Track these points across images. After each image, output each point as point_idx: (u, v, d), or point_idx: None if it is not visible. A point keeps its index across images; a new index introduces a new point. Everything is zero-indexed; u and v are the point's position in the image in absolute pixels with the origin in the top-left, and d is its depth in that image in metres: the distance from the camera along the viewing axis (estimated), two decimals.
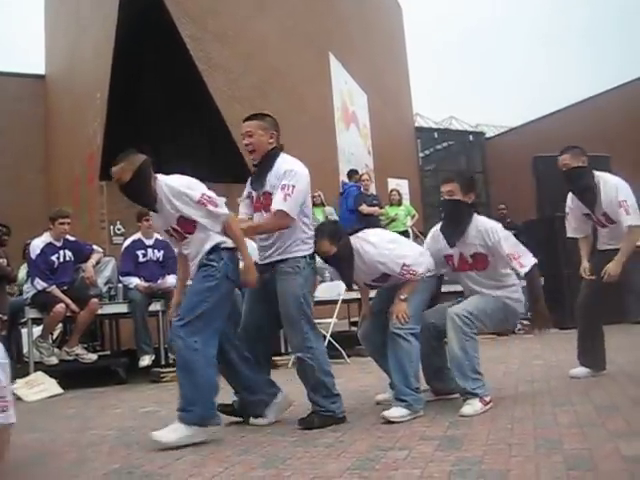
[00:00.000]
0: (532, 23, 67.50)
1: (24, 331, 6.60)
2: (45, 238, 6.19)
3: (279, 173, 3.45)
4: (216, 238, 3.37)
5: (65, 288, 6.04)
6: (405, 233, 9.21)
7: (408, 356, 3.59)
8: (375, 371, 4.16)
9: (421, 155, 24.79)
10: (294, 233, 3.48)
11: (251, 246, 3.61)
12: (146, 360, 6.11)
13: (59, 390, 5.57)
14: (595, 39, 62.33)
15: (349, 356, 6.46)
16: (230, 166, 9.37)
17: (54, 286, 5.96)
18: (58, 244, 6.18)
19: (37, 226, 7.22)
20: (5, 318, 6.06)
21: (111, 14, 10.26)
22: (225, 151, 9.91)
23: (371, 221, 8.97)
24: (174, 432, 3.17)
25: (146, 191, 3.36)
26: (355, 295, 4.28)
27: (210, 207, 3.33)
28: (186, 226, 3.39)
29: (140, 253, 6.46)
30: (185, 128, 10.54)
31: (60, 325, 7.18)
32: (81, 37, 13.30)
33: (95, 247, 6.51)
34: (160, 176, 3.42)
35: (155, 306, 6.31)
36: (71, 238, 6.30)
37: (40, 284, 5.93)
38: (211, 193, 3.40)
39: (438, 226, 3.95)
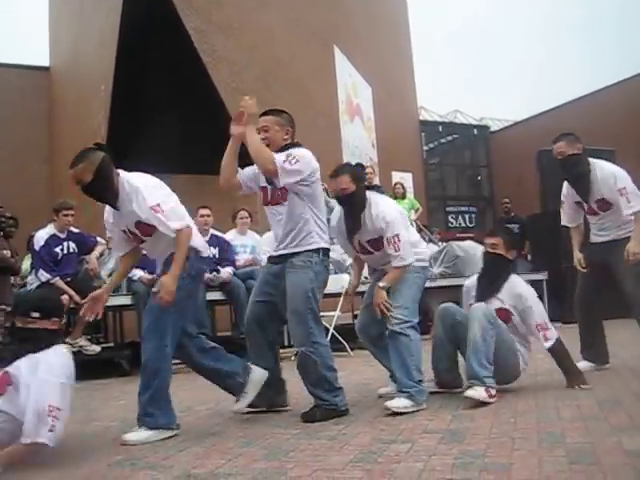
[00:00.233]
0: (538, 16, 67.20)
1: None
2: (49, 230, 6.20)
3: None
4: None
5: (69, 280, 6.05)
6: None
7: (408, 350, 3.61)
8: (378, 364, 4.16)
9: (425, 148, 24.71)
10: (308, 224, 3.50)
11: (269, 239, 3.60)
12: None
13: None
14: (602, 33, 62.05)
15: (352, 349, 6.47)
16: None
17: (58, 278, 5.97)
18: (62, 236, 6.19)
19: (41, 217, 7.23)
20: (9, 309, 6.07)
21: (115, 6, 10.25)
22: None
23: None
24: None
25: (110, 188, 3.27)
26: (359, 288, 4.29)
27: (161, 217, 3.19)
28: (145, 229, 3.32)
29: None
30: (189, 120, 10.52)
31: (64, 316, 7.18)
32: (85, 29, 13.30)
33: (99, 239, 6.51)
34: (122, 172, 3.33)
35: None
36: (75, 230, 6.31)
37: (44, 276, 5.95)
38: (170, 205, 3.25)
39: (470, 281, 4.13)
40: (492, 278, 3.91)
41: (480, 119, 26.94)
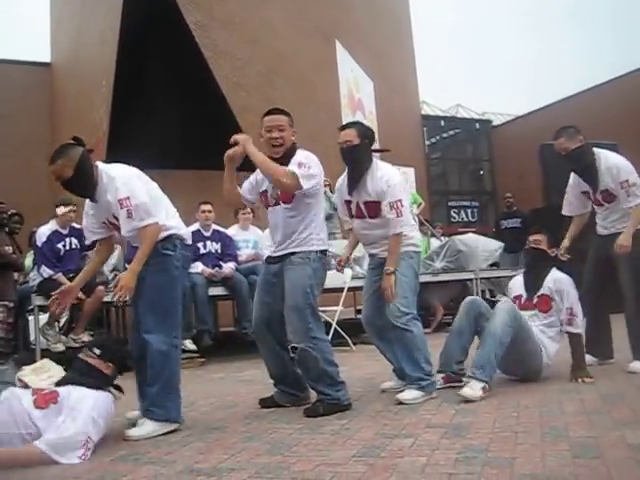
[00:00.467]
0: (543, 10, 67.01)
1: (31, 318, 6.62)
2: (51, 226, 6.20)
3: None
4: (167, 230, 3.30)
5: (71, 276, 6.03)
6: None
7: (414, 344, 3.66)
8: (381, 359, 4.16)
9: (427, 143, 24.70)
10: (309, 227, 3.54)
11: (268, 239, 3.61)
12: None
13: None
14: (608, 23, 61.88)
15: (355, 344, 6.46)
16: None
17: (60, 273, 5.97)
18: (64, 232, 6.19)
19: (44, 213, 7.22)
20: (12, 305, 6.08)
21: (116, 1, 10.23)
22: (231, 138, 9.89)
23: None
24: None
25: (90, 183, 3.25)
26: (361, 283, 4.29)
27: (123, 212, 3.16)
28: None
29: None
30: (190, 115, 10.52)
31: (67, 312, 7.19)
32: (86, 24, 13.29)
33: None
34: (101, 164, 3.31)
35: None
36: (77, 226, 6.30)
37: (46, 272, 5.95)
38: (140, 200, 3.18)
39: (516, 279, 4.37)
40: (537, 273, 4.16)
41: (482, 113, 26.92)
